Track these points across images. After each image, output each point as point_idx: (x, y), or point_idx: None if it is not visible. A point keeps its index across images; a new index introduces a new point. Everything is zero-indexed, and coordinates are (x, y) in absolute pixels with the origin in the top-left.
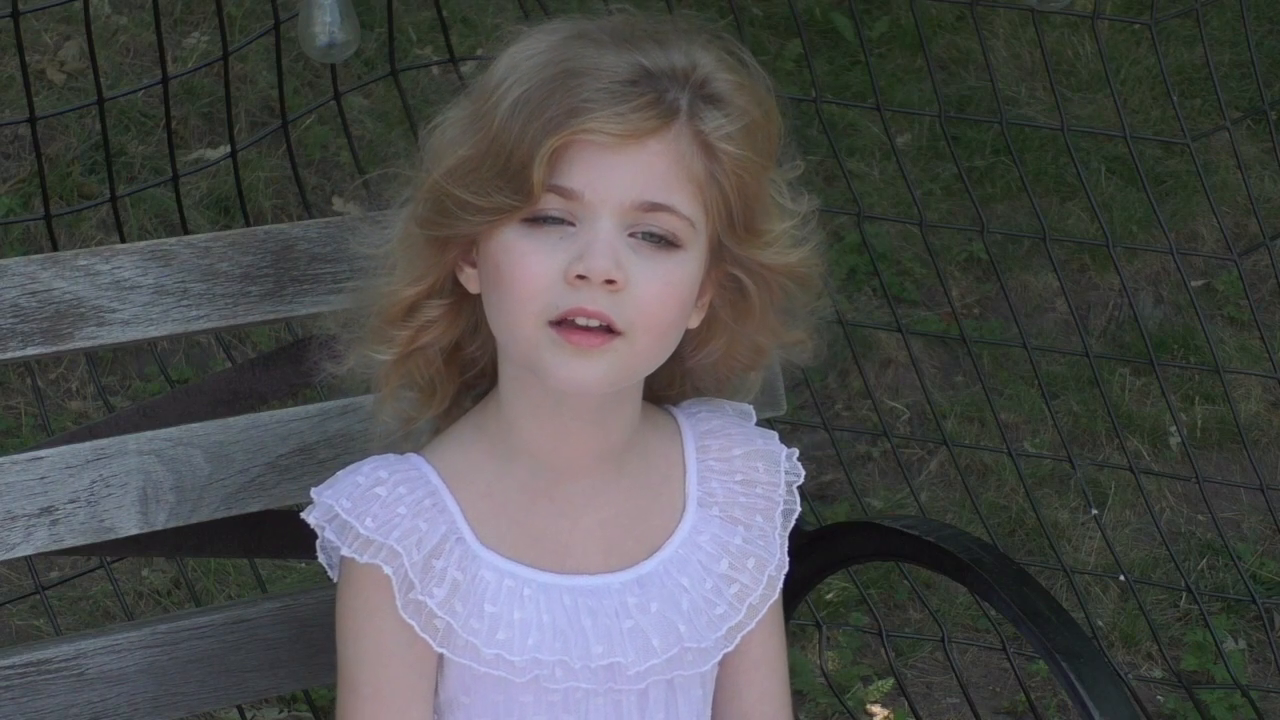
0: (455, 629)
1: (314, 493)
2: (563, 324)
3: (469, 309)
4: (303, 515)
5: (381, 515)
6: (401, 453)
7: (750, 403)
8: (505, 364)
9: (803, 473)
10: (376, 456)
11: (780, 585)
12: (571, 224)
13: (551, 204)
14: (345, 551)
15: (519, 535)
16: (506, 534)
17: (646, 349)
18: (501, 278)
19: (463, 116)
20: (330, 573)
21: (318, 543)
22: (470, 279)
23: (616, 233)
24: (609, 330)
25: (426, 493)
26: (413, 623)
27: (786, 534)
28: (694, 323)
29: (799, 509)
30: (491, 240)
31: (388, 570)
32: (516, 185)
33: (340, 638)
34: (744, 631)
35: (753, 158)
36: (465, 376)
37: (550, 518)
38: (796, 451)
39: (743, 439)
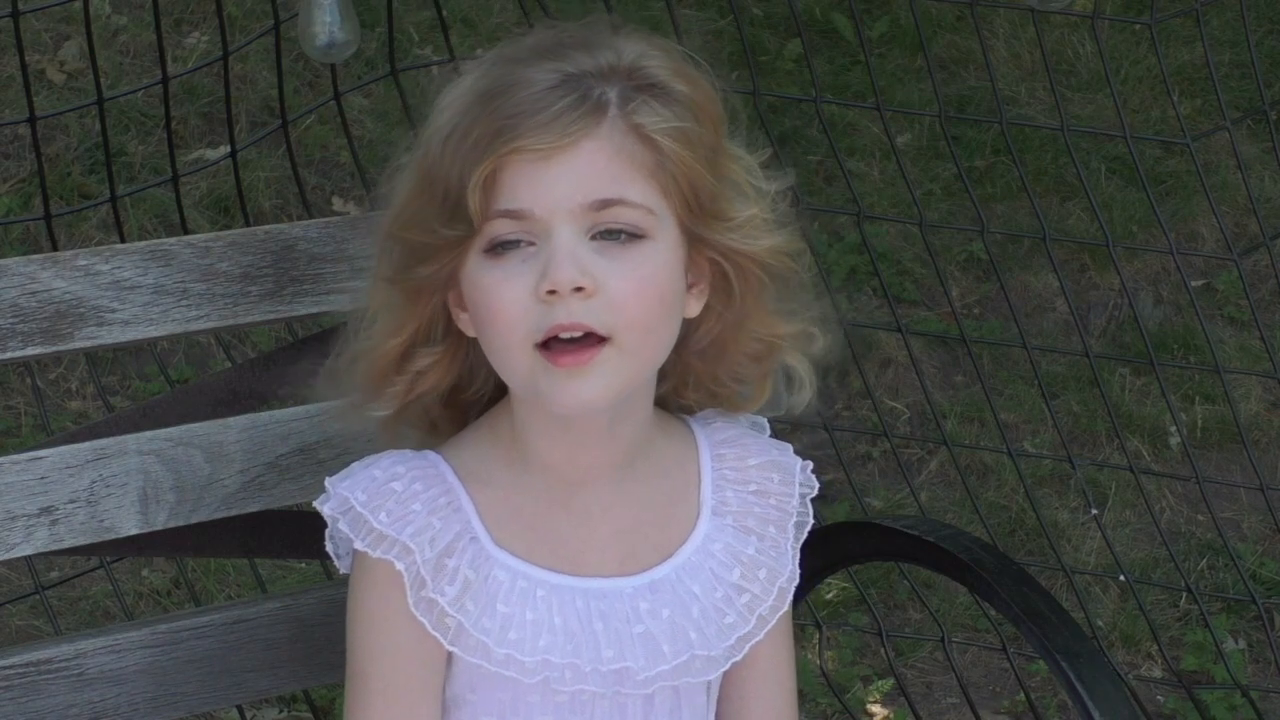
0: (466, 628)
1: (328, 483)
2: (550, 347)
3: (464, 354)
4: (315, 504)
5: (396, 510)
6: (419, 449)
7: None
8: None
9: (817, 485)
10: (394, 451)
11: (790, 597)
12: (532, 243)
13: (505, 229)
14: (358, 545)
15: (534, 539)
16: (522, 536)
17: (637, 349)
18: (480, 314)
19: (408, 162)
20: (338, 563)
21: (327, 532)
22: (466, 323)
23: (576, 239)
24: (594, 337)
25: (442, 490)
26: (423, 620)
27: (798, 546)
28: (693, 311)
29: (811, 521)
30: (465, 280)
31: (400, 566)
32: (458, 216)
33: (351, 631)
34: (753, 641)
35: (696, 138)
36: (468, 416)
37: (567, 526)
38: (811, 464)
39: (758, 449)
